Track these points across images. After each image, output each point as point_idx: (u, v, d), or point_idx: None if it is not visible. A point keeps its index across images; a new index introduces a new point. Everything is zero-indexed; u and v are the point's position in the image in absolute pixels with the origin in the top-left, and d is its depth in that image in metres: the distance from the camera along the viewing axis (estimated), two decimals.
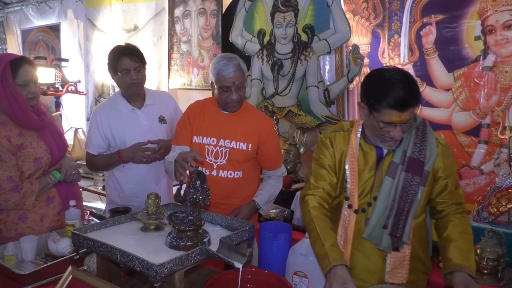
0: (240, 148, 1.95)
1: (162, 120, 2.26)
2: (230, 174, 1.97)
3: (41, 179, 1.91)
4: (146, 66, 2.21)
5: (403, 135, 1.43)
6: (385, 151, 1.50)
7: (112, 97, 2.32)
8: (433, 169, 1.46)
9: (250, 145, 1.96)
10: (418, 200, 1.44)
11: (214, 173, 1.96)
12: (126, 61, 2.09)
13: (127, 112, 2.20)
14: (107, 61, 2.17)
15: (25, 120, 1.88)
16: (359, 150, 1.52)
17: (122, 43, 2.23)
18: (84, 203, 2.39)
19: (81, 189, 2.36)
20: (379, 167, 1.49)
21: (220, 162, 1.96)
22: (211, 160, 1.96)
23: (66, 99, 5.13)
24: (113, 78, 2.18)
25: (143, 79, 2.20)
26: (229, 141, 1.95)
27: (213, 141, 1.97)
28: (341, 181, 1.55)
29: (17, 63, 1.84)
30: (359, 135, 1.53)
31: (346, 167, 1.51)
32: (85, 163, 2.34)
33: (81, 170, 2.19)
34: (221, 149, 1.95)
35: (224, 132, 1.96)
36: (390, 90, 1.33)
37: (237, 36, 3.57)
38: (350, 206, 1.51)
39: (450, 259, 1.36)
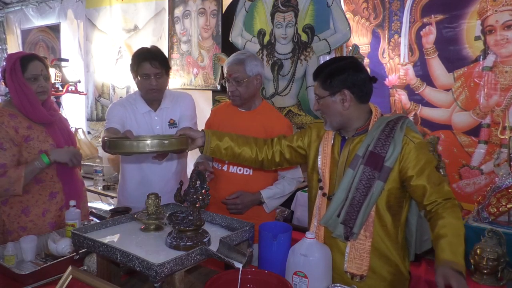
0: None
1: (172, 124, 2.23)
2: (240, 170, 2.03)
3: (27, 164, 1.90)
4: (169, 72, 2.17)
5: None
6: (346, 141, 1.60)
7: (132, 95, 2.29)
8: (399, 168, 1.47)
9: None
10: (373, 193, 1.46)
11: (225, 168, 2.04)
12: (147, 66, 2.05)
13: (143, 112, 2.18)
14: (130, 62, 2.13)
15: (33, 113, 1.93)
16: (335, 138, 1.62)
17: (148, 46, 2.17)
18: None
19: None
20: (341, 158, 1.58)
21: None
22: None
23: (66, 99, 5.13)
24: (134, 79, 2.16)
25: (163, 85, 2.15)
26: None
27: None
28: (313, 161, 1.67)
29: (27, 59, 1.92)
30: None
31: (320, 148, 1.63)
32: (88, 163, 2.33)
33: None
34: None
35: (238, 128, 1.99)
36: None
37: (237, 36, 3.57)
38: (321, 188, 1.60)
39: (438, 256, 1.33)
